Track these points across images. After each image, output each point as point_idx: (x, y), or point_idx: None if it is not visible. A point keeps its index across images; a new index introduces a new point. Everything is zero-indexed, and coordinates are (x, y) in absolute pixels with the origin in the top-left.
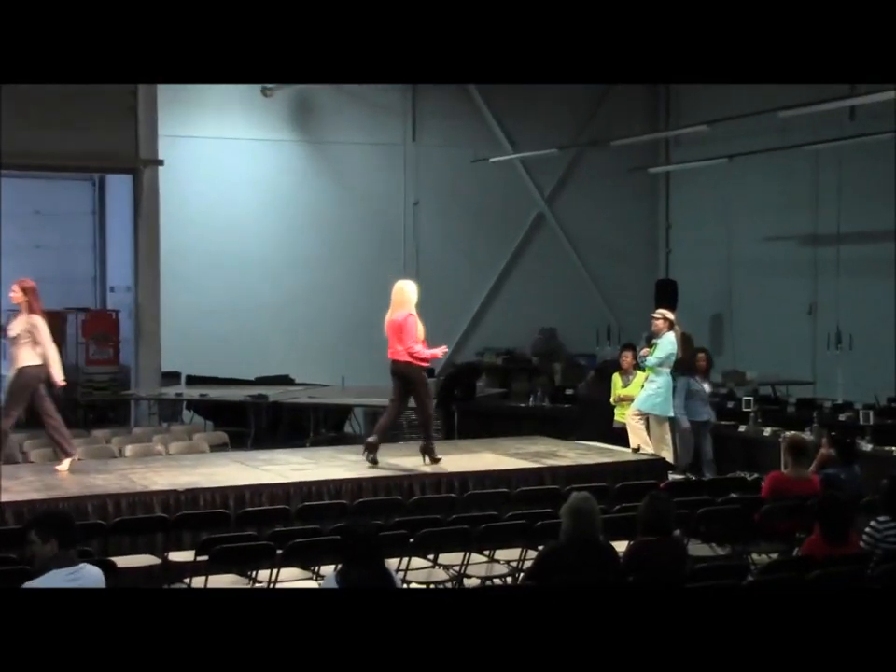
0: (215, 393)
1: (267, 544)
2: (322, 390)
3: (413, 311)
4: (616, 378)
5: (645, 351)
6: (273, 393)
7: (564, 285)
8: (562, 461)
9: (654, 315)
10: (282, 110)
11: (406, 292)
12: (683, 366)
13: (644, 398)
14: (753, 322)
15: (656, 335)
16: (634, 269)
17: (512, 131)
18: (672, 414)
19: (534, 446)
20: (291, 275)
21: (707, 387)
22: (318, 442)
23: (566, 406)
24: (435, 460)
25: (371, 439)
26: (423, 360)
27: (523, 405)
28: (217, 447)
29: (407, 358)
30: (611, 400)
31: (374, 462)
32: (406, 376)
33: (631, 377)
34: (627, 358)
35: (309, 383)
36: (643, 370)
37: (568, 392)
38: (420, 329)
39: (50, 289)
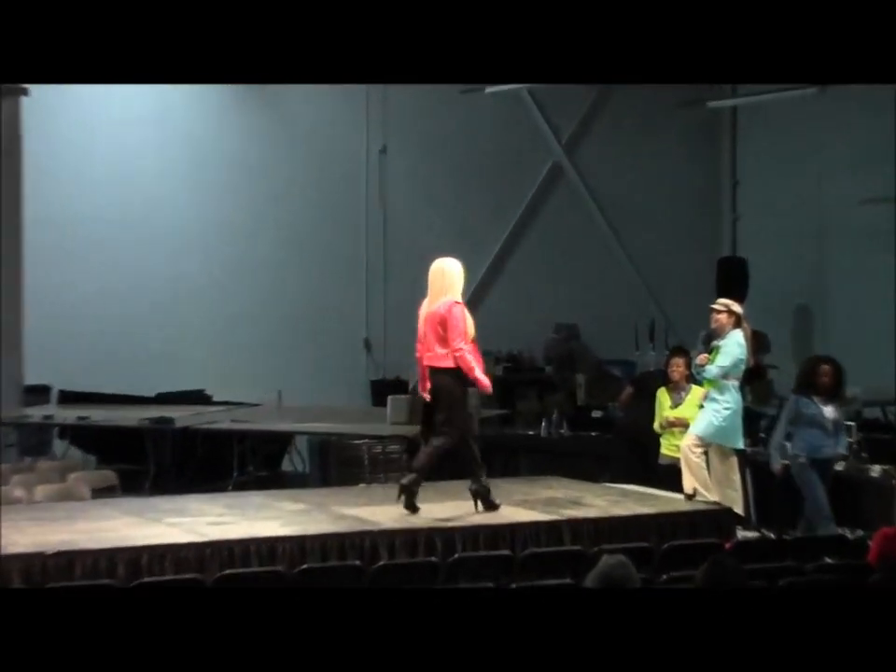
0: (99, 415)
1: None
2: (251, 411)
3: (460, 299)
4: (663, 395)
5: (703, 358)
6: (182, 416)
7: (588, 265)
8: (587, 511)
9: (716, 306)
10: None
11: (449, 274)
12: (754, 377)
13: (704, 422)
14: (854, 316)
15: (718, 335)
16: (686, 243)
17: None
18: (742, 446)
19: (548, 491)
20: (208, 251)
21: (831, 412)
22: (245, 485)
23: (592, 434)
24: (493, 506)
25: (405, 480)
26: (467, 370)
27: (531, 433)
28: (101, 492)
29: (451, 363)
30: (656, 426)
31: (413, 509)
32: (441, 389)
33: (684, 393)
34: (678, 368)
35: (232, 401)
36: (701, 383)
37: (596, 415)
38: (470, 324)
39: None
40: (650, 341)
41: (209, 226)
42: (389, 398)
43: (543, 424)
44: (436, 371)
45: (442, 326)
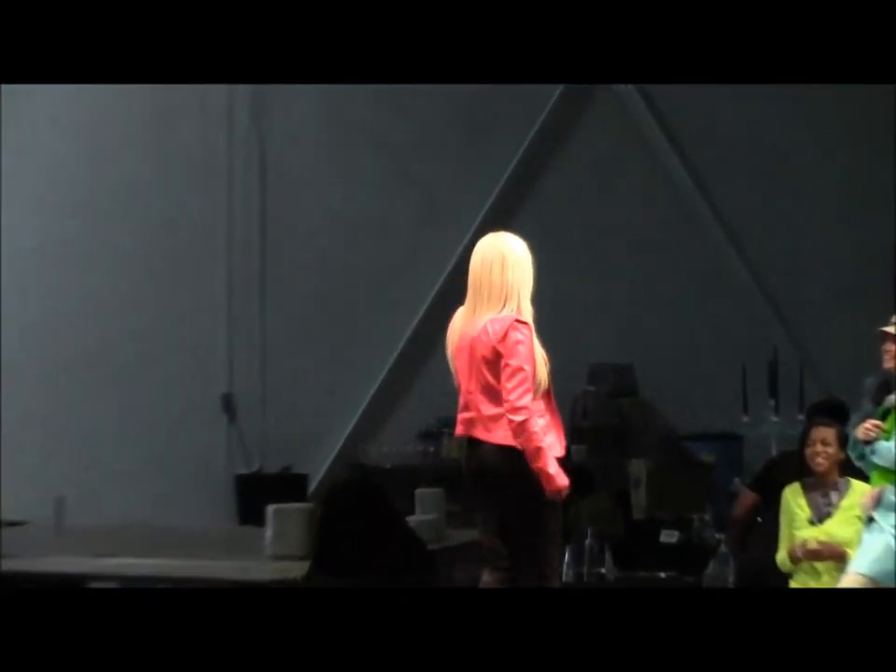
0: None
1: None
2: (3, 537)
3: (528, 315)
4: (796, 498)
5: (871, 427)
6: None
7: (658, 263)
8: None
9: (891, 327)
10: None
11: (512, 265)
12: None
13: (875, 551)
14: None
15: None
16: (831, 223)
17: None
18: None
19: None
20: None
21: None
22: None
23: (661, 576)
24: None
25: None
26: (530, 450)
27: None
28: None
29: (506, 439)
30: (781, 558)
31: None
32: (503, 483)
33: (835, 495)
34: (826, 448)
35: None
36: (868, 476)
37: (668, 538)
38: (541, 363)
39: None
40: (770, 396)
41: None
42: (270, 510)
43: (567, 556)
44: (487, 450)
45: (492, 364)
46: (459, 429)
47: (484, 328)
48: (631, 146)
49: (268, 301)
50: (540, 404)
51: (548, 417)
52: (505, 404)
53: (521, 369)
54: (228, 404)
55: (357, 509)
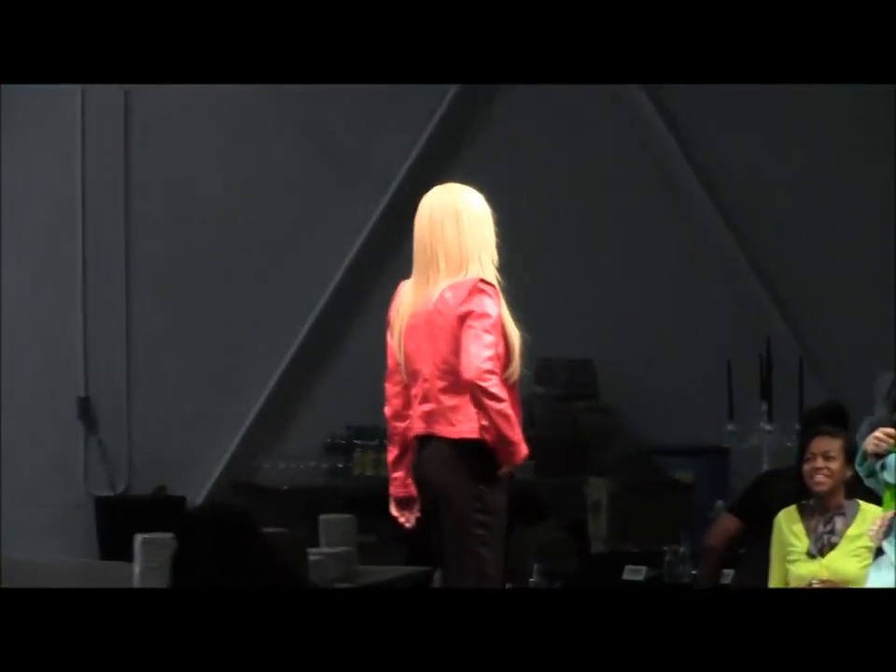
0: None
1: None
2: None
3: (494, 278)
4: (788, 525)
5: (883, 436)
6: None
7: (632, 243)
8: None
9: None
10: None
11: (469, 221)
12: None
13: (890, 586)
14: None
15: None
16: (845, 215)
17: None
18: None
19: None
20: None
21: None
22: None
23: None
24: None
25: None
26: (503, 428)
27: None
28: None
29: (473, 430)
30: None
31: None
32: (451, 486)
33: (839, 521)
34: (828, 463)
35: None
36: (880, 498)
37: (633, 575)
38: (514, 340)
39: None
40: (762, 398)
41: None
42: (138, 540)
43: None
44: (440, 446)
45: (455, 339)
46: (418, 426)
47: (441, 297)
48: (618, 126)
49: (133, 284)
50: (504, 390)
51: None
52: (465, 371)
53: (488, 331)
54: (85, 411)
55: (215, 546)
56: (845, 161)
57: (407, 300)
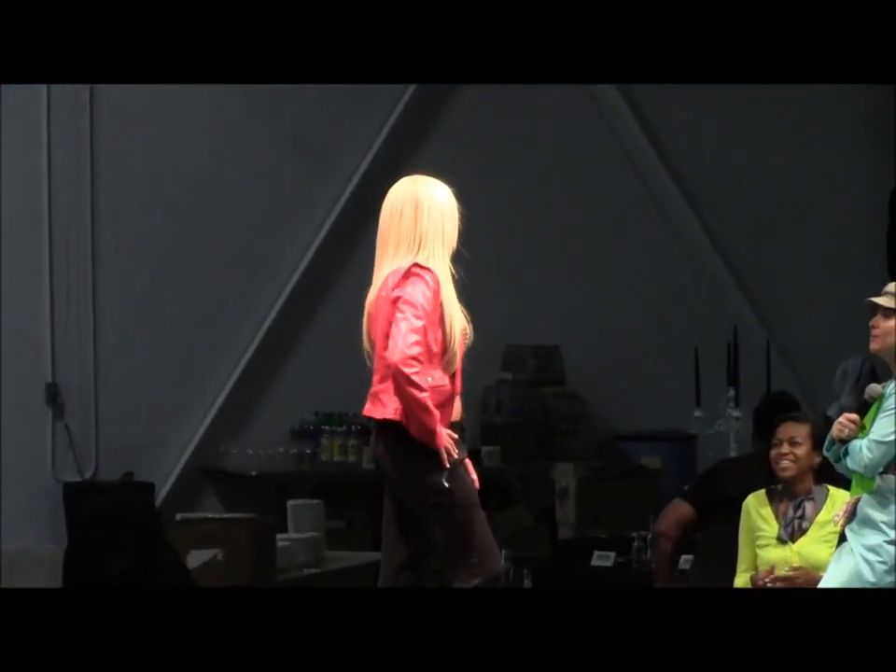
0: None
1: None
2: None
3: (440, 264)
4: (757, 510)
5: (847, 423)
6: None
7: (596, 229)
8: None
9: (881, 300)
10: None
11: (427, 210)
12: None
13: (848, 574)
14: None
15: (890, 369)
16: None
17: None
18: None
19: None
20: None
21: None
22: None
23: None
24: None
25: None
26: (426, 423)
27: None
28: None
29: (394, 413)
30: (740, 585)
31: None
32: (399, 469)
33: (808, 506)
34: (795, 448)
35: None
36: (848, 481)
37: (602, 561)
38: (455, 324)
39: None
40: (729, 384)
41: None
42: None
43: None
44: (378, 429)
45: (387, 319)
46: (367, 408)
47: (385, 281)
48: (587, 116)
49: (99, 267)
50: (438, 371)
51: (435, 384)
52: (389, 355)
53: (418, 317)
54: (52, 396)
55: (111, 540)
56: (812, 153)
57: (371, 288)
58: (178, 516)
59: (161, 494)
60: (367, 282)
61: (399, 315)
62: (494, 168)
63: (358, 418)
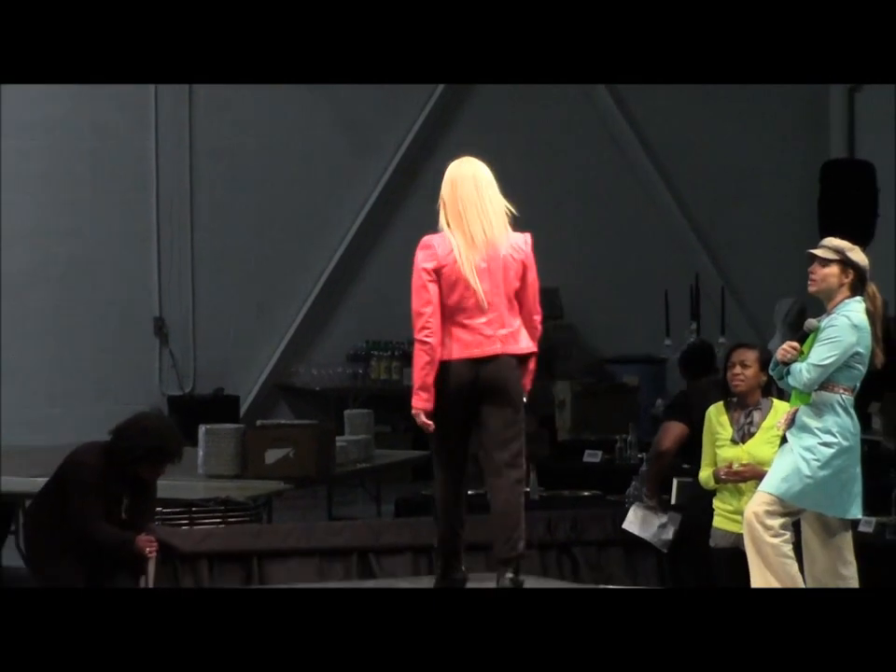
0: None
1: None
2: None
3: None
4: (718, 418)
5: (788, 349)
6: None
7: (579, 184)
8: None
9: (818, 251)
10: None
11: (496, 186)
12: (885, 386)
13: (786, 472)
14: None
15: (825, 307)
16: (765, 154)
17: None
18: (860, 515)
19: None
20: None
21: None
22: None
23: (584, 495)
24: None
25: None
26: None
27: (470, 492)
28: None
29: (530, 346)
30: (703, 477)
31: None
32: (515, 390)
33: (757, 416)
34: (746, 369)
35: None
36: (787, 396)
37: (591, 457)
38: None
39: None
40: (692, 319)
41: None
42: (202, 430)
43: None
44: (509, 360)
45: (519, 278)
46: (497, 348)
47: (516, 244)
48: (580, 106)
49: (196, 225)
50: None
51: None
52: (536, 317)
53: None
54: (159, 328)
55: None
56: (761, 133)
57: (479, 241)
58: (258, 422)
59: (245, 405)
60: (406, 239)
61: (537, 283)
62: (509, 144)
63: (401, 344)
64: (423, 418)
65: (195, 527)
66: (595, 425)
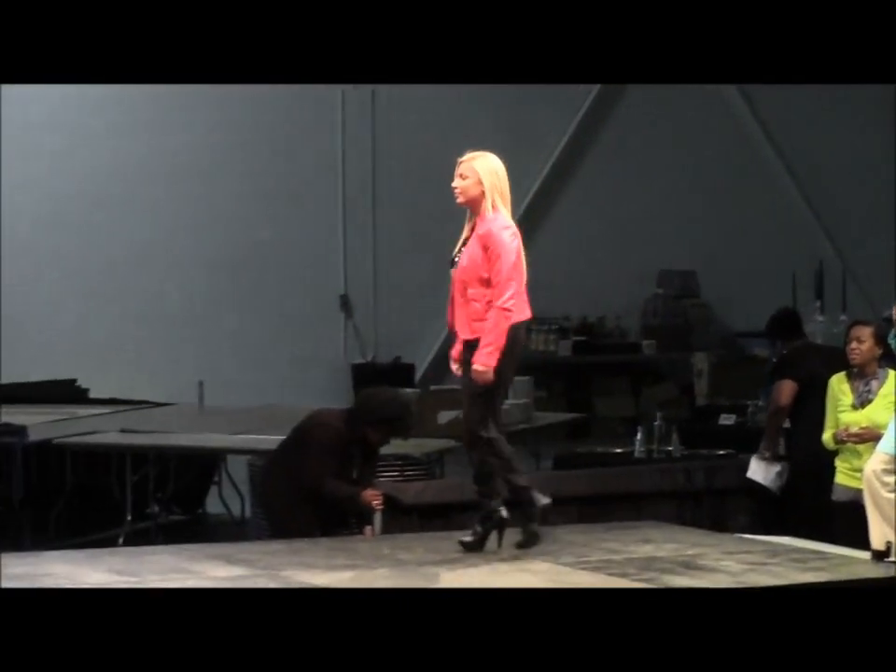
0: None
1: None
2: (155, 415)
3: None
4: (840, 387)
5: None
6: (41, 422)
7: (713, 181)
8: (709, 580)
9: None
10: None
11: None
12: None
13: None
14: None
15: None
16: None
17: None
18: None
19: (645, 545)
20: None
21: None
22: (147, 536)
23: (718, 454)
24: (532, 539)
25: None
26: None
27: (618, 450)
28: None
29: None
30: (826, 438)
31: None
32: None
33: (875, 384)
34: (864, 343)
35: (123, 399)
36: None
37: (726, 420)
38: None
39: None
40: (816, 298)
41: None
42: None
43: (639, 435)
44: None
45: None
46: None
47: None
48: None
49: (378, 212)
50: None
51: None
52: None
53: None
54: (345, 304)
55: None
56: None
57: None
58: (431, 387)
59: (420, 372)
60: (560, 227)
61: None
62: (655, 140)
63: (557, 320)
64: (491, 375)
65: (408, 482)
66: (729, 391)
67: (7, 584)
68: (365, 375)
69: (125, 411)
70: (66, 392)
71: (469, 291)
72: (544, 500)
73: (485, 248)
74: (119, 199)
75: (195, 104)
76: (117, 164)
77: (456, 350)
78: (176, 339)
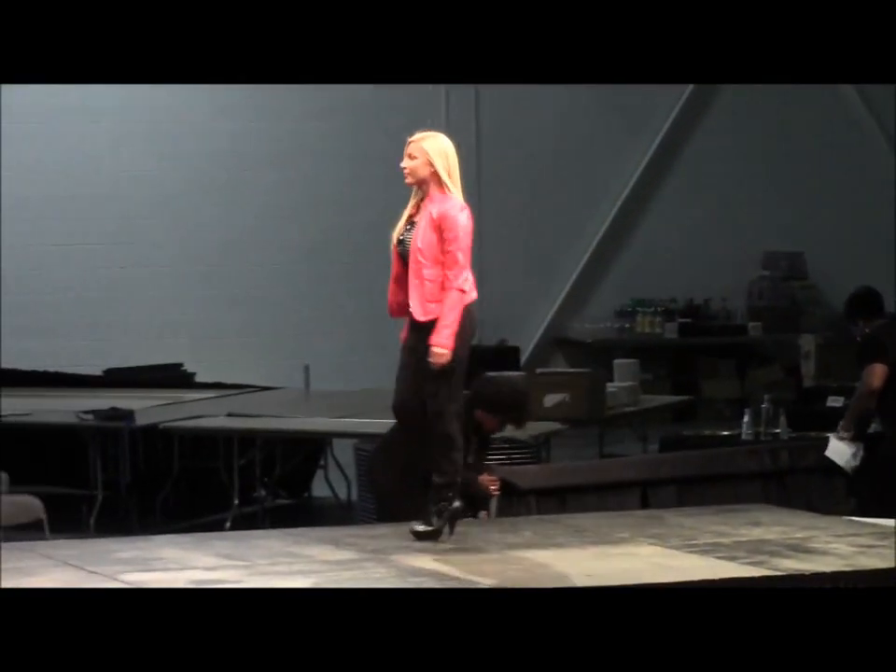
0: (12, 406)
1: None
2: (261, 399)
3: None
4: None
5: None
6: (148, 407)
7: (826, 157)
8: (819, 564)
9: None
10: None
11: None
12: None
13: None
14: None
15: None
16: None
17: None
18: None
19: (754, 529)
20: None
21: None
22: (254, 519)
23: (826, 436)
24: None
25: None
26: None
27: (725, 433)
28: (19, 529)
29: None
30: None
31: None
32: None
33: None
34: None
35: (229, 383)
36: None
37: (834, 403)
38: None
39: None
40: None
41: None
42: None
43: (746, 418)
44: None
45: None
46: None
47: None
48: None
49: (482, 197)
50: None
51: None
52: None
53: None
54: None
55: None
56: None
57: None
58: (537, 370)
59: (525, 355)
60: (663, 211)
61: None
62: (761, 130)
63: (663, 301)
64: (450, 356)
65: (523, 466)
66: (837, 373)
67: (116, 568)
68: (471, 358)
69: (231, 395)
70: (173, 376)
71: (425, 272)
72: (460, 504)
73: (440, 229)
74: (225, 185)
75: (300, 91)
76: (222, 151)
77: (406, 332)
78: (282, 323)
